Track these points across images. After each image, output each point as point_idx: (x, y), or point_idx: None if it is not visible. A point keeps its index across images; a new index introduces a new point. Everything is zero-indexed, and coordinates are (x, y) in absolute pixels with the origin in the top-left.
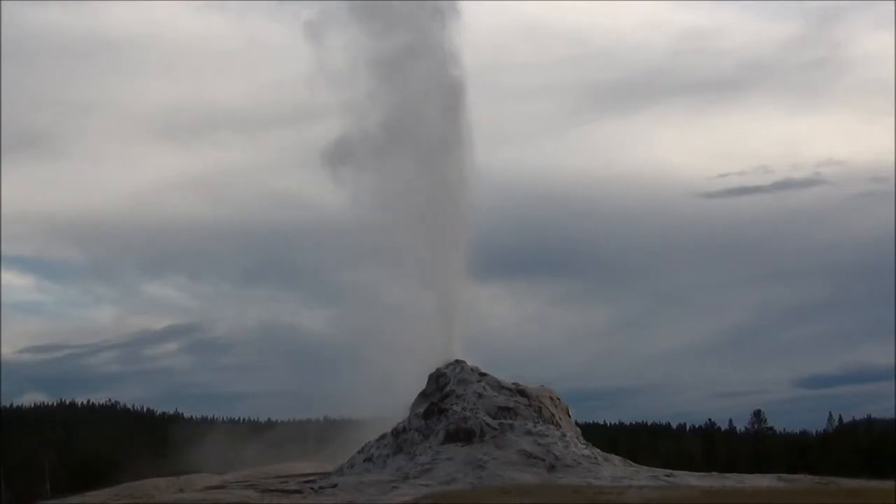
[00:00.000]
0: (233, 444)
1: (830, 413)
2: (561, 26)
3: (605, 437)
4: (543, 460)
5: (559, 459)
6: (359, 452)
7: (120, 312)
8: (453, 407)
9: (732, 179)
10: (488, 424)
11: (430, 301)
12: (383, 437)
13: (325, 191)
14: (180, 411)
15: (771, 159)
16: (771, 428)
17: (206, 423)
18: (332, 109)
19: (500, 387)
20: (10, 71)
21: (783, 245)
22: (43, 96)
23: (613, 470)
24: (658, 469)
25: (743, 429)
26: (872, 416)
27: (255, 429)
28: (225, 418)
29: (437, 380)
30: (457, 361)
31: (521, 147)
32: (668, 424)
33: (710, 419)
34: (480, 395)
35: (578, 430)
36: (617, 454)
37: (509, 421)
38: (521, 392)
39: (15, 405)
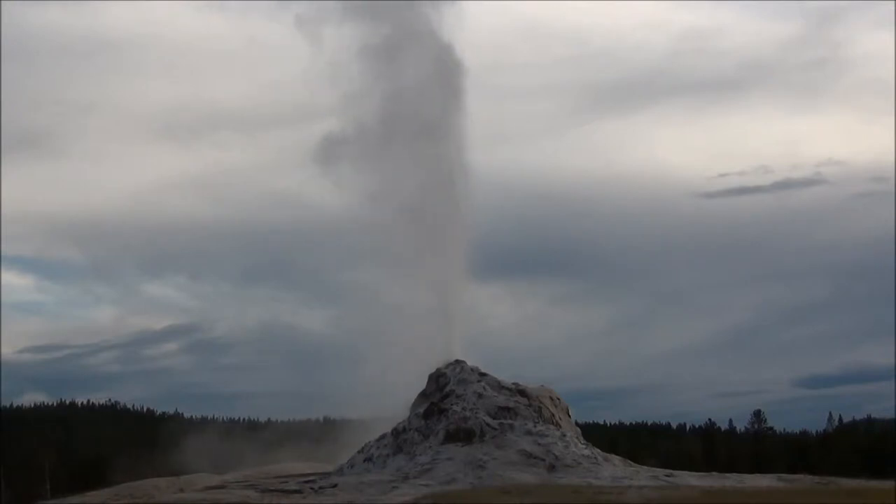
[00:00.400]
0: (222, 443)
1: (830, 413)
2: (561, 26)
3: (605, 437)
4: (543, 460)
5: (559, 459)
6: (359, 452)
7: (120, 312)
8: (453, 407)
9: (732, 179)
10: (488, 424)
11: (430, 301)
12: (383, 437)
13: (325, 191)
14: (180, 411)
15: (771, 159)
16: (771, 428)
17: (198, 423)
18: (332, 108)
19: (500, 387)
20: (10, 71)
21: (783, 245)
22: (43, 96)
23: (613, 470)
24: (658, 469)
25: (743, 429)
26: (872, 416)
27: (252, 428)
28: (225, 418)
29: (437, 380)
30: (457, 361)
31: (521, 147)
32: (668, 424)
33: (710, 419)
34: (480, 395)
35: (578, 430)
36: (617, 454)
37: (509, 421)
38: (521, 392)
39: (15, 405)
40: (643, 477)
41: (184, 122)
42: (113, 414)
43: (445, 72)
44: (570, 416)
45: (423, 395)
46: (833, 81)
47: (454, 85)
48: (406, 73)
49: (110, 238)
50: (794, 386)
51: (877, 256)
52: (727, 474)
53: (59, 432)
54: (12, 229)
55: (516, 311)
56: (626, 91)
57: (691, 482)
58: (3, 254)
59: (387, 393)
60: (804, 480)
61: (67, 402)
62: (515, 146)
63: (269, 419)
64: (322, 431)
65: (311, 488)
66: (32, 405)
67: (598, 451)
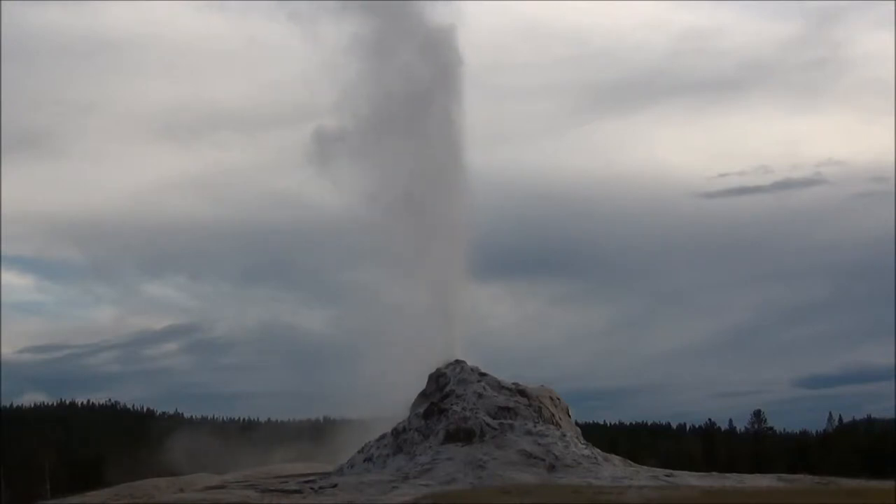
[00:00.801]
0: (221, 443)
1: (830, 413)
2: (561, 26)
3: (605, 437)
4: (543, 460)
5: (559, 459)
6: (359, 452)
7: (120, 312)
8: (453, 407)
9: (732, 179)
10: (488, 424)
11: (430, 301)
12: (383, 437)
13: (325, 191)
14: (180, 411)
15: (771, 159)
16: (771, 428)
17: (197, 423)
18: (332, 107)
19: (500, 387)
20: (10, 71)
21: (783, 245)
22: (43, 96)
23: (613, 470)
24: (658, 469)
25: (743, 429)
26: (872, 416)
27: (251, 428)
28: (225, 418)
29: (437, 380)
30: (457, 361)
31: (521, 147)
32: (668, 424)
33: (710, 419)
34: (480, 395)
35: (578, 430)
36: (617, 454)
37: (509, 421)
38: (521, 392)
39: (15, 405)
40: (643, 477)
41: (184, 122)
42: (113, 414)
43: (445, 71)
44: (570, 416)
45: (423, 395)
46: (833, 81)
47: (453, 84)
48: (404, 71)
49: (110, 238)
50: (794, 386)
51: (877, 256)
52: (727, 474)
53: (58, 432)
54: (12, 229)
55: (516, 311)
56: (626, 91)
57: (691, 482)
58: (3, 254)
59: (387, 393)
60: (804, 480)
61: (67, 402)
62: (515, 146)
63: (269, 419)
64: (322, 431)
65: (311, 488)
66: (32, 405)
67: (598, 451)
